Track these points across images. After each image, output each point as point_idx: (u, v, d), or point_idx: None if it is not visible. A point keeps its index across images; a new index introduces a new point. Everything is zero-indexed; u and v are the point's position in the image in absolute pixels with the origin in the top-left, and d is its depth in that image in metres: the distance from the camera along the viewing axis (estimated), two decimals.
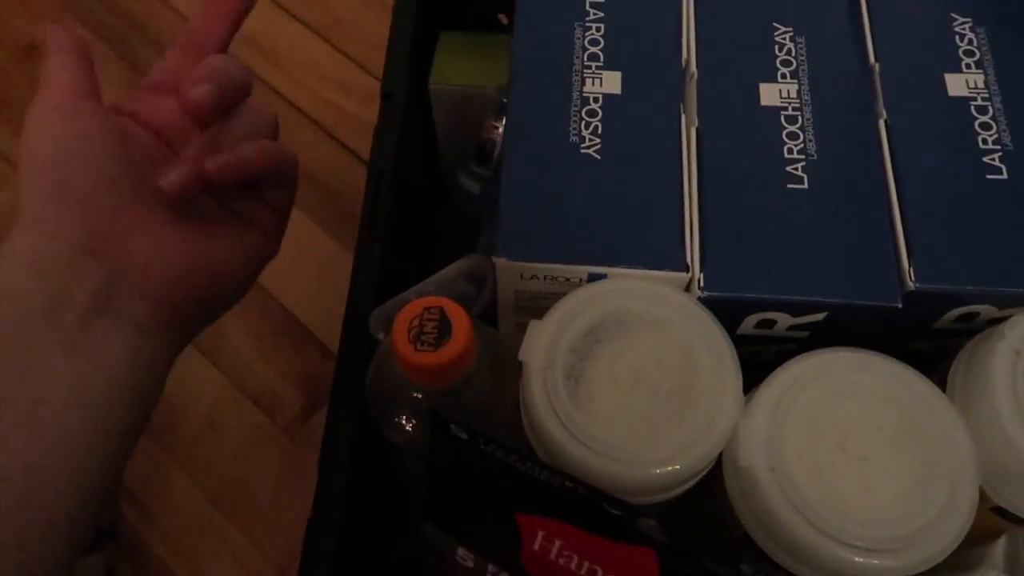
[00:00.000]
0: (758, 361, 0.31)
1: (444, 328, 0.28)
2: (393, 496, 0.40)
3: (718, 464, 0.29)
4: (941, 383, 0.30)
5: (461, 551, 0.32)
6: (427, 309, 0.28)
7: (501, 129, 0.42)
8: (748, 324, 0.31)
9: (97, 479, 0.26)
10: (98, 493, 0.26)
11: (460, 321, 0.28)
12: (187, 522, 0.48)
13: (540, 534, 0.28)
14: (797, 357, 0.28)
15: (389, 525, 0.42)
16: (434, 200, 0.54)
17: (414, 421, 0.32)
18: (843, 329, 0.31)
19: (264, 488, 0.48)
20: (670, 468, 0.27)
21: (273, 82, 0.61)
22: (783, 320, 0.31)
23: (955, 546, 0.26)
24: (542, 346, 0.28)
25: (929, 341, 0.33)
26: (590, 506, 0.26)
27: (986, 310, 0.30)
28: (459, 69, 0.47)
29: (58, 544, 0.24)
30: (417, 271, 0.41)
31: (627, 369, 0.28)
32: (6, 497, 0.23)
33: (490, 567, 0.32)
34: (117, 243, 0.27)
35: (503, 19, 0.48)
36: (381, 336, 0.36)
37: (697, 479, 0.29)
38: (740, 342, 0.31)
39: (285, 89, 0.61)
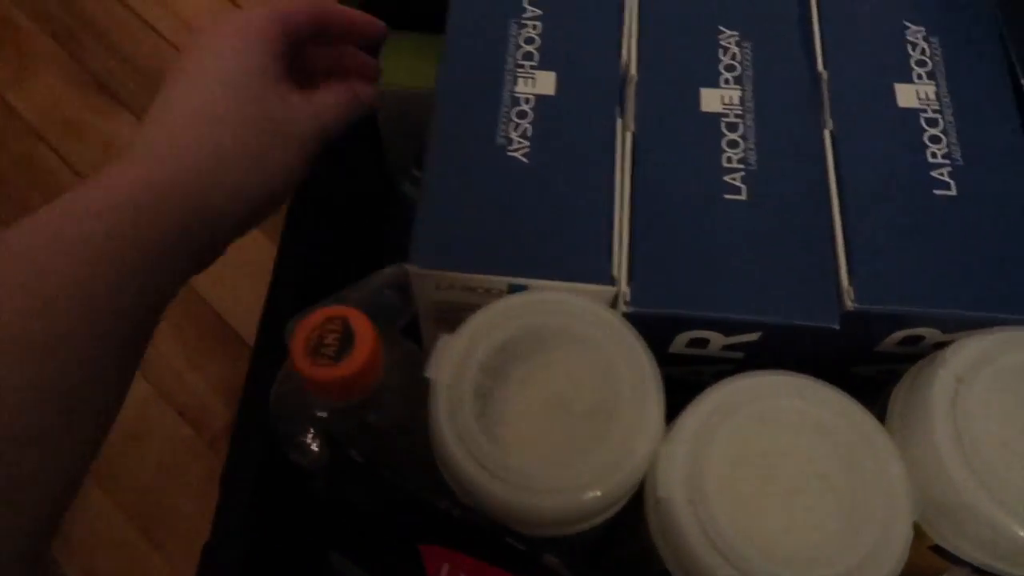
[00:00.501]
0: (697, 383, 0.29)
1: (346, 339, 0.26)
2: (302, 523, 0.38)
3: (639, 494, 0.27)
4: (883, 410, 0.28)
5: None
6: (328, 319, 0.26)
7: None
8: (679, 343, 0.29)
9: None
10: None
11: (364, 332, 0.26)
12: (103, 542, 0.45)
13: (445, 566, 0.26)
14: (724, 380, 0.26)
15: (297, 554, 0.39)
16: (377, 207, 0.52)
17: (319, 442, 0.29)
18: (780, 351, 0.29)
19: (187, 507, 0.46)
20: (583, 496, 0.24)
21: None
22: (716, 339, 0.29)
23: None
24: (450, 362, 0.26)
25: (872, 365, 0.31)
26: (494, 539, 0.24)
27: (931, 333, 0.29)
28: (406, 71, 0.45)
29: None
30: (353, 279, 0.39)
31: (542, 389, 0.26)
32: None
33: None
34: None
35: None
36: None
37: (613, 511, 0.26)
38: (673, 362, 0.29)
39: None
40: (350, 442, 0.26)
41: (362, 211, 0.50)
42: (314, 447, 0.30)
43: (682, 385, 0.27)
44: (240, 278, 0.52)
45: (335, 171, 0.39)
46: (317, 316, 0.26)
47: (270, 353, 0.33)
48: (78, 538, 0.45)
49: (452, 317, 0.31)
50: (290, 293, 0.35)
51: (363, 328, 0.26)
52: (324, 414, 0.29)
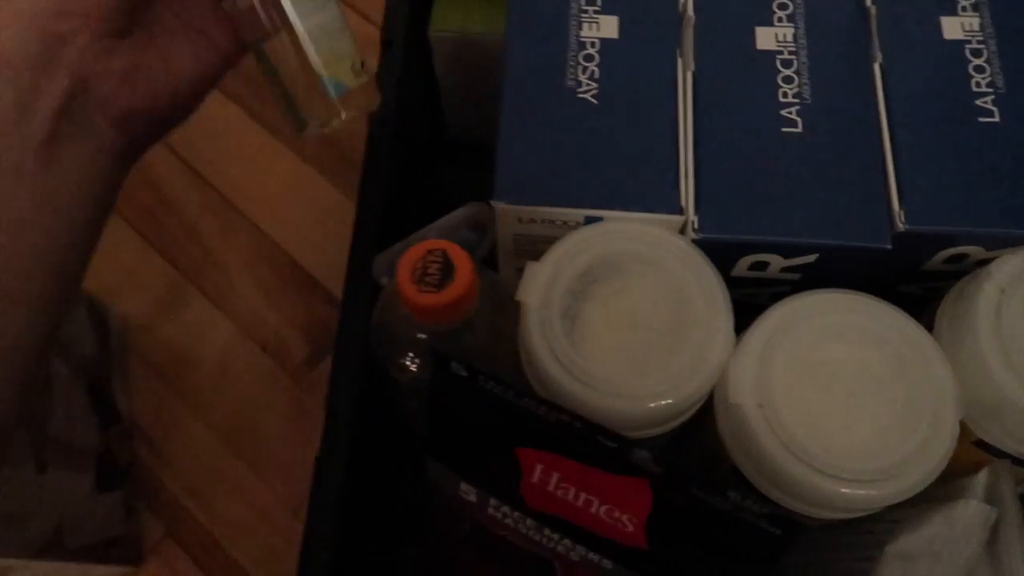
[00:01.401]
0: (753, 303, 0.31)
1: (447, 270, 0.29)
2: (397, 436, 0.42)
3: (708, 402, 0.30)
4: (929, 325, 0.30)
5: (464, 486, 0.33)
6: (430, 251, 0.29)
7: None
8: (741, 266, 0.32)
9: (61, 285, 0.27)
10: (58, 298, 0.27)
11: (463, 263, 0.29)
12: (200, 463, 0.49)
13: (539, 467, 0.30)
14: (786, 298, 0.29)
15: (394, 464, 0.43)
16: (435, 148, 0.54)
17: (418, 361, 0.33)
18: (834, 271, 0.31)
19: (273, 431, 0.50)
20: (662, 403, 0.28)
21: None
22: (775, 262, 0.31)
23: (935, 477, 0.27)
24: (539, 287, 0.29)
25: (919, 283, 0.34)
26: (586, 439, 0.27)
27: (975, 251, 0.31)
28: (459, 16, 0.47)
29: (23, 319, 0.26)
30: (418, 218, 0.42)
31: (622, 308, 0.29)
32: None
33: (492, 500, 0.33)
34: (80, 56, 0.26)
35: None
36: (384, 280, 0.37)
37: (687, 416, 0.30)
38: (734, 284, 0.32)
39: None
40: (451, 358, 0.30)
41: (421, 154, 0.52)
42: (412, 367, 0.33)
43: (740, 306, 0.30)
44: (310, 223, 0.55)
45: (400, 118, 0.42)
46: (420, 249, 0.29)
47: (359, 287, 0.37)
48: (178, 461, 0.49)
49: (529, 248, 0.34)
50: (371, 233, 0.38)
51: (461, 259, 0.29)
52: (423, 336, 0.32)
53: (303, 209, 0.55)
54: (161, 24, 0.29)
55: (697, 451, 0.32)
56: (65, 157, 0.26)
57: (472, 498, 0.34)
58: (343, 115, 0.30)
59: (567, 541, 0.32)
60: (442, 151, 0.55)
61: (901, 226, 0.30)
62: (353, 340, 0.35)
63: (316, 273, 0.54)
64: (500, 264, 0.36)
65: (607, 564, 0.32)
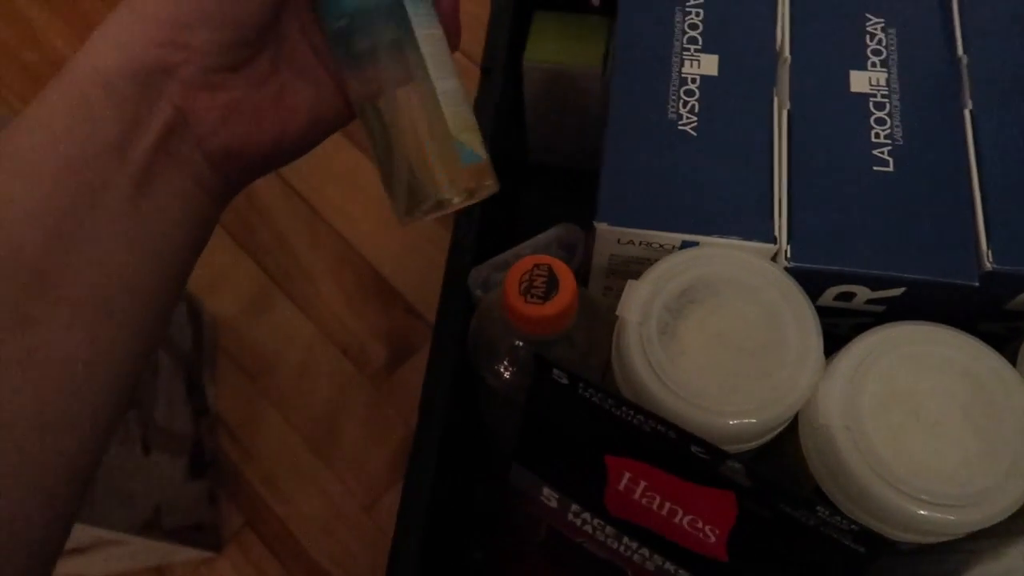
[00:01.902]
0: (834, 334, 0.33)
1: (552, 283, 0.31)
2: (478, 443, 0.43)
3: (792, 424, 0.31)
4: (1011, 362, 0.31)
5: (546, 491, 0.35)
6: (537, 266, 0.31)
7: None
8: (828, 296, 0.33)
9: (154, 322, 0.25)
10: (154, 331, 0.26)
11: (567, 278, 0.31)
12: (280, 457, 0.52)
13: (626, 475, 0.31)
14: (875, 328, 0.31)
15: (468, 470, 0.45)
16: (518, 171, 0.57)
17: (512, 369, 0.35)
18: (918, 305, 0.33)
19: (351, 432, 0.52)
20: (751, 420, 0.29)
21: None
22: (862, 293, 0.33)
23: (1016, 508, 0.28)
24: (639, 303, 0.31)
25: (1000, 322, 0.35)
26: (678, 449, 0.29)
27: None
28: (552, 48, 0.50)
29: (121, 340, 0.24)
30: (502, 237, 0.44)
31: (716, 328, 0.30)
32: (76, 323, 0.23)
33: (573, 506, 0.35)
34: (184, 89, 0.25)
35: (595, 1, 0.50)
36: (478, 292, 0.39)
37: (773, 434, 0.31)
38: (819, 313, 0.33)
39: None
40: (554, 365, 0.32)
41: (507, 177, 0.55)
42: (506, 374, 0.35)
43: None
44: (392, 238, 0.58)
45: (496, 142, 0.44)
46: (527, 262, 0.31)
47: (454, 297, 0.39)
48: (260, 454, 0.52)
49: (622, 269, 0.36)
50: (468, 248, 0.40)
51: (566, 274, 0.31)
52: (520, 344, 0.34)
53: (386, 224, 0.58)
54: (292, 55, 0.28)
55: (778, 472, 0.34)
56: (160, 192, 0.25)
57: (553, 504, 0.35)
58: (472, 187, 0.27)
59: (645, 550, 0.33)
60: (524, 174, 0.57)
61: (988, 265, 0.31)
62: (447, 345, 0.37)
63: (396, 284, 0.56)
64: (590, 282, 0.38)
65: (683, 574, 0.33)
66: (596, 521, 0.34)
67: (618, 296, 0.33)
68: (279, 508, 0.50)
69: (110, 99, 0.24)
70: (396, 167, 0.26)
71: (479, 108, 0.44)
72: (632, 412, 0.29)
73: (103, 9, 0.69)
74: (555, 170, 0.56)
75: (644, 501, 0.32)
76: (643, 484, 0.31)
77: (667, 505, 0.31)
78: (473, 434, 0.44)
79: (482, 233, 0.42)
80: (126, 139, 0.24)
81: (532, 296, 0.31)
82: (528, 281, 0.31)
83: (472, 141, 0.27)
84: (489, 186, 0.28)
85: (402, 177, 0.26)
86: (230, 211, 0.59)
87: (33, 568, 0.22)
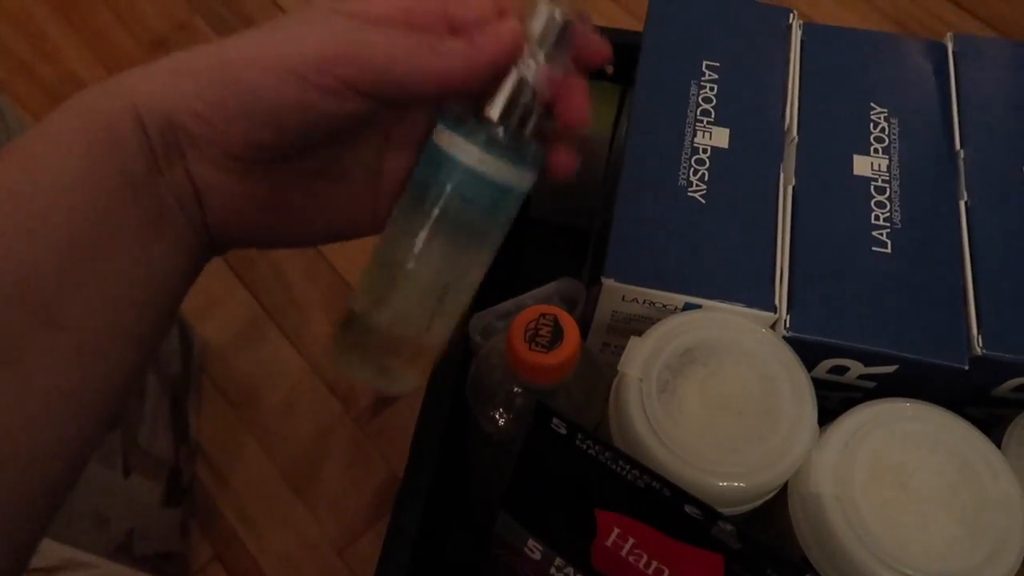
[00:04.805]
0: (824, 407, 0.34)
1: (557, 333, 0.31)
2: (460, 492, 0.43)
3: (780, 493, 0.32)
4: (998, 439, 0.32)
5: (531, 542, 0.35)
6: (543, 315, 0.32)
7: None
8: (822, 368, 0.34)
9: (142, 360, 0.25)
10: (141, 368, 0.25)
11: (571, 329, 0.32)
12: (256, 492, 0.51)
13: (616, 531, 0.31)
14: (868, 402, 0.31)
15: (468, 512, 0.44)
16: (520, 225, 0.58)
17: (508, 416, 0.35)
18: (909, 384, 0.33)
19: (331, 471, 0.51)
20: (742, 484, 0.30)
21: None
22: (855, 368, 0.34)
23: None
24: (641, 359, 0.31)
25: (985, 408, 0.36)
26: (670, 507, 0.29)
27: None
28: None
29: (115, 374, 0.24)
30: (499, 287, 0.45)
31: (715, 390, 0.31)
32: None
33: (557, 560, 0.34)
34: (201, 167, 0.24)
35: (609, 70, 0.52)
36: (477, 338, 0.40)
37: (762, 500, 0.31)
38: None
39: None
40: (555, 413, 0.32)
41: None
42: (501, 421, 0.35)
43: None
44: None
45: None
46: (533, 312, 0.32)
47: (453, 343, 0.39)
48: (235, 484, 0.51)
49: (623, 326, 0.37)
50: None
51: (570, 325, 0.32)
52: (518, 391, 0.34)
53: None
54: (341, 168, 0.27)
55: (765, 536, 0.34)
56: (168, 239, 0.24)
57: (537, 556, 0.35)
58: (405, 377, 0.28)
59: None
60: (524, 227, 0.58)
61: (978, 350, 0.32)
62: (442, 389, 0.38)
63: None
64: (589, 337, 0.39)
65: None
66: None
67: (616, 353, 0.33)
68: (251, 543, 0.49)
69: (137, 139, 0.23)
70: (376, 312, 0.27)
71: None
72: (628, 466, 0.29)
73: (118, 27, 0.70)
74: (553, 226, 0.58)
75: (631, 559, 0.32)
76: (632, 541, 0.31)
77: (654, 564, 0.31)
78: (456, 482, 0.44)
79: (485, 282, 0.43)
80: (147, 184, 0.23)
81: (536, 344, 0.31)
82: (534, 330, 0.31)
83: (441, 343, 0.28)
84: (406, 385, 0.28)
85: (371, 321, 0.27)
86: None
87: None
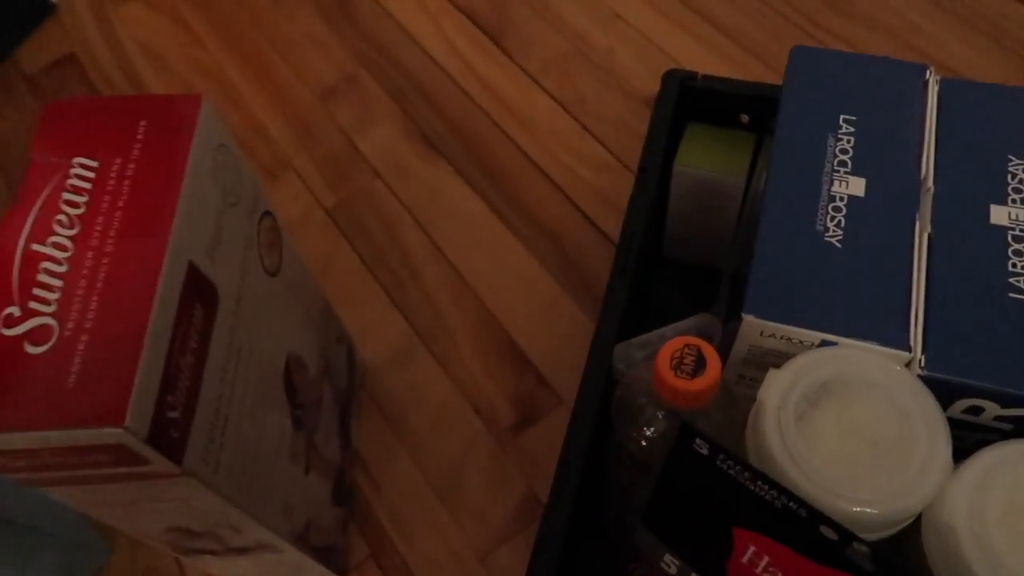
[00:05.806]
0: (959, 448, 0.35)
1: (700, 362, 0.35)
2: (594, 509, 0.46)
3: (913, 526, 0.33)
4: None
5: (668, 557, 0.38)
6: (687, 345, 0.35)
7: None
8: (956, 408, 0.36)
9: None
10: None
11: (713, 359, 0.35)
12: (407, 499, 0.56)
13: (751, 549, 0.34)
14: (1005, 440, 0.33)
15: (607, 525, 0.48)
16: (655, 263, 0.61)
17: (650, 437, 0.38)
18: None
19: (474, 483, 0.56)
20: (875, 511, 0.32)
21: (522, 143, 0.71)
22: (991, 409, 0.35)
23: None
24: (780, 389, 0.34)
25: None
26: (806, 528, 0.31)
27: None
28: (701, 156, 0.55)
29: None
30: (635, 322, 0.48)
31: (851, 421, 0.33)
32: None
33: (692, 575, 0.37)
34: None
35: (744, 119, 0.55)
36: (620, 366, 0.43)
37: (894, 530, 0.33)
38: None
39: (531, 150, 0.71)
40: (698, 434, 0.35)
41: (645, 268, 0.59)
42: (642, 441, 0.39)
43: None
44: (530, 310, 0.63)
45: (645, 235, 0.49)
46: (679, 342, 0.35)
47: (597, 368, 0.43)
48: (388, 491, 0.56)
49: (759, 360, 0.39)
50: (613, 327, 0.45)
51: (712, 355, 0.35)
52: (661, 415, 0.38)
53: (525, 297, 0.63)
54: None
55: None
56: None
57: (672, 570, 0.38)
58: None
59: None
60: (657, 267, 0.62)
61: None
62: (587, 412, 0.41)
63: (530, 354, 0.61)
64: (725, 370, 0.41)
65: None
66: None
67: (750, 385, 0.36)
68: (402, 545, 0.54)
69: None
70: None
71: (633, 203, 0.49)
72: (766, 487, 0.32)
73: (294, 79, 0.79)
74: (685, 264, 0.61)
75: None
76: (766, 559, 0.34)
77: None
78: (591, 500, 0.47)
79: (622, 316, 0.47)
80: None
81: (681, 371, 0.35)
82: (679, 358, 0.35)
83: None
84: None
85: None
86: (385, 268, 0.66)
87: None
